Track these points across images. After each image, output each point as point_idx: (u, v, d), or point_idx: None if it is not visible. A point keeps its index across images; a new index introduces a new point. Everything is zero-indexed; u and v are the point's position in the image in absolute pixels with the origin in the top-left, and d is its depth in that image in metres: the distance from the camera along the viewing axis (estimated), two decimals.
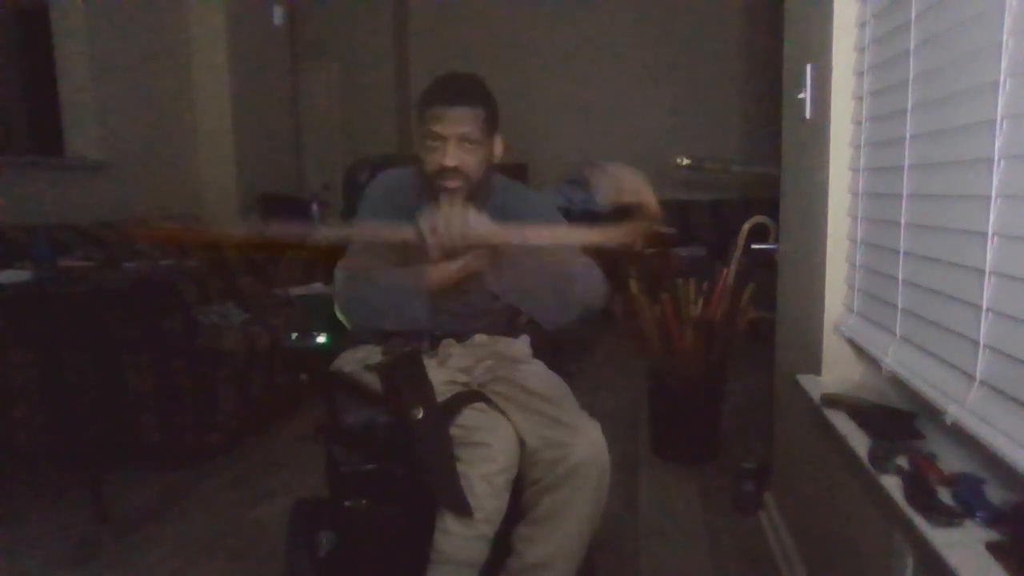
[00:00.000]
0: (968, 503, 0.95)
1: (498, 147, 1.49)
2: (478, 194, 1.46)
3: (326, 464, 1.48)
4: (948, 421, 1.01)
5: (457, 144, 1.40)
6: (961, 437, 1.06)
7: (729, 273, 2.62)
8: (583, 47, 5.89)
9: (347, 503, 1.42)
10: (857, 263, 1.48)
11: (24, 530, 2.14)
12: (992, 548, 0.86)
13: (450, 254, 1.32)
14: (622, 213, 1.23)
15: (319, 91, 6.11)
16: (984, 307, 0.96)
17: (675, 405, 2.64)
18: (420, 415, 1.29)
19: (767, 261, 2.27)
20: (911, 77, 1.21)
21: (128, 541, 2.09)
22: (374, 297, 1.42)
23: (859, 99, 1.47)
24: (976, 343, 0.98)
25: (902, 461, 1.10)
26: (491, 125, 1.45)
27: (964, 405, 0.99)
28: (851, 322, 1.50)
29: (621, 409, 3.15)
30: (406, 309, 1.39)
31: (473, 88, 1.45)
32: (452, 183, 1.42)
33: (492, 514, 1.26)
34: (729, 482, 2.31)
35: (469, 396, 1.37)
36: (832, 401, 1.39)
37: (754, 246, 2.61)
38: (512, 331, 1.62)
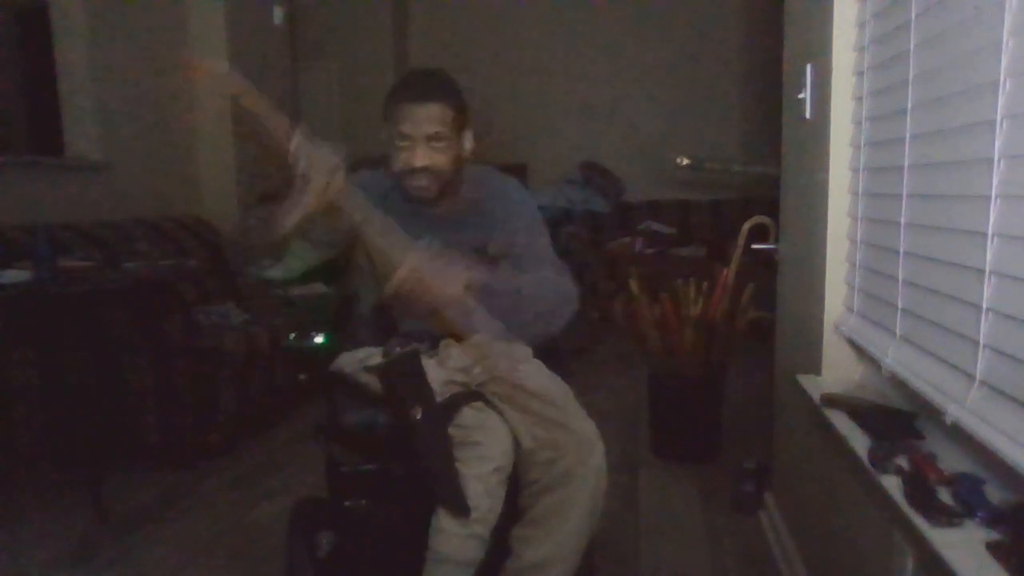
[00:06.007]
0: (968, 503, 0.95)
1: (468, 142, 1.48)
2: (447, 191, 1.46)
3: (326, 464, 1.48)
4: (948, 421, 1.01)
5: (426, 143, 1.39)
6: (961, 437, 1.06)
7: (729, 273, 2.62)
8: (583, 47, 5.87)
9: (347, 503, 1.42)
10: (857, 263, 1.48)
11: (24, 530, 2.14)
12: (992, 548, 0.86)
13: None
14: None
15: (319, 91, 6.10)
16: (984, 307, 0.96)
17: (675, 405, 2.64)
18: (419, 415, 1.29)
19: (767, 261, 2.26)
20: (911, 77, 1.21)
21: (128, 541, 2.09)
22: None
23: (859, 99, 1.47)
24: (976, 343, 0.98)
25: (902, 461, 1.10)
26: (460, 121, 1.43)
27: (964, 405, 0.99)
28: (851, 322, 1.50)
29: (621, 409, 3.15)
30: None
31: (440, 84, 1.43)
32: (421, 182, 1.41)
33: (486, 513, 1.26)
34: (729, 482, 2.30)
35: (468, 396, 1.37)
36: (832, 401, 1.39)
37: (754, 246, 2.60)
38: None
